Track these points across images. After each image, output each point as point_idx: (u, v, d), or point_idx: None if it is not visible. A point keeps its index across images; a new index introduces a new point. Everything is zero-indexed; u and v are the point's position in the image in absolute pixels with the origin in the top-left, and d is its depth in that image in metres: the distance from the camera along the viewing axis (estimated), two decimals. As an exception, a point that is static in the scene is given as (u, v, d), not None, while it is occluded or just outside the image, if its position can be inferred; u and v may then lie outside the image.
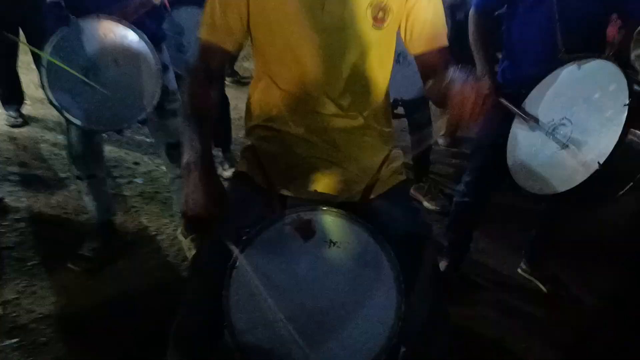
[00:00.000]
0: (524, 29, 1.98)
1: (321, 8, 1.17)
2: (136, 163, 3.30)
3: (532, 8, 1.93)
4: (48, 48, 1.78)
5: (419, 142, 2.95)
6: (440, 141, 3.88)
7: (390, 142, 1.37)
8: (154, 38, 1.95)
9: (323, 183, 1.26)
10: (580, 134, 1.60)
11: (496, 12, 2.14)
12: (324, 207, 1.14)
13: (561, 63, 1.77)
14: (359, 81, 1.25)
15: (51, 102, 1.83)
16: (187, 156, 1.07)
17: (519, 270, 2.48)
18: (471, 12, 2.09)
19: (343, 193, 1.27)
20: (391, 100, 1.54)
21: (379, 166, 1.33)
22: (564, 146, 1.63)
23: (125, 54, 1.81)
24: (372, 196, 1.29)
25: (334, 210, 1.14)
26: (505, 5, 2.05)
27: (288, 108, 1.26)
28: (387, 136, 1.36)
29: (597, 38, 1.89)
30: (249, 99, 1.36)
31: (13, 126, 3.58)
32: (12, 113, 3.62)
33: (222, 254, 1.08)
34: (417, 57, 1.30)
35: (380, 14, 1.20)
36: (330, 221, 1.13)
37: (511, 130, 1.86)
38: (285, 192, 1.28)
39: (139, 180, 3.11)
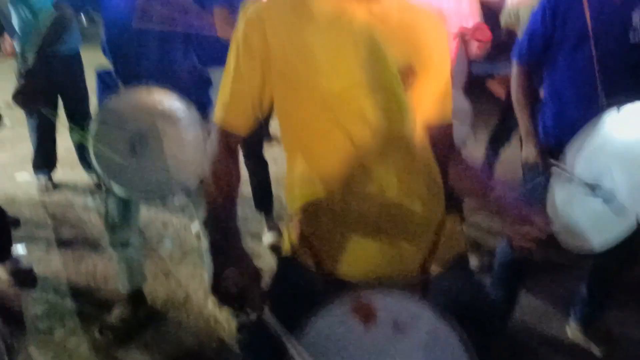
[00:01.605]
0: (564, 76, 1.93)
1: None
2: (165, 224, 3.28)
3: (571, 54, 1.89)
4: (97, 117, 1.80)
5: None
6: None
7: (441, 205, 1.28)
8: (201, 106, 1.94)
9: (379, 260, 1.17)
10: (623, 189, 1.51)
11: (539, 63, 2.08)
12: (384, 287, 1.05)
13: (602, 109, 1.71)
14: (403, 145, 1.19)
15: (96, 171, 1.84)
16: (213, 236, 1.04)
17: (568, 330, 2.32)
18: (514, 67, 2.04)
19: (401, 270, 1.17)
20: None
21: (436, 234, 1.24)
22: (607, 200, 1.53)
23: (173, 124, 1.81)
24: (431, 271, 1.20)
25: (396, 290, 1.04)
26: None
27: (332, 186, 1.19)
28: (438, 198, 1.28)
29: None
30: (286, 177, 1.29)
31: (43, 191, 3.62)
32: (43, 178, 3.67)
33: (272, 344, 0.99)
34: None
35: (410, 78, 1.15)
36: (393, 303, 1.03)
37: (550, 184, 1.77)
38: (338, 273, 1.18)
39: (167, 242, 3.08)
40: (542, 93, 2.10)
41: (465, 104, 2.47)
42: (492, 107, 3.44)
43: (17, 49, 3.45)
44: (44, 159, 3.68)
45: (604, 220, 1.54)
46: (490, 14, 3.30)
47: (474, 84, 3.03)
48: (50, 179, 3.70)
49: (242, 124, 1.20)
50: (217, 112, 1.20)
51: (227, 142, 1.20)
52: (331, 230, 1.19)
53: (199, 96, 1.99)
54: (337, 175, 1.17)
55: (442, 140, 1.24)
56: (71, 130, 3.57)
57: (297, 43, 1.12)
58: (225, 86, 1.19)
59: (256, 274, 0.99)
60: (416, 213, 1.19)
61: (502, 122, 3.37)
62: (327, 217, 1.19)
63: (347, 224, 1.18)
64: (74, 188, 3.74)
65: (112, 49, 1.95)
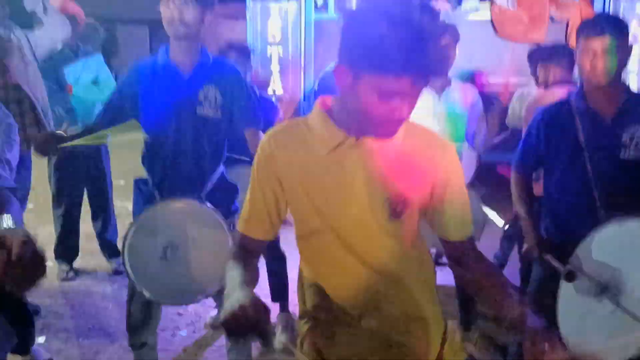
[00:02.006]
0: (561, 187, 2.08)
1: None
2: (179, 314, 3.36)
3: (567, 167, 2.05)
4: (133, 227, 1.95)
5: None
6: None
7: (440, 311, 1.40)
8: (229, 214, 2.10)
9: None
10: (631, 293, 1.61)
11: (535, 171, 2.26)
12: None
13: (601, 221, 1.83)
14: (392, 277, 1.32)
15: (128, 274, 1.96)
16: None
17: None
18: (512, 172, 2.22)
19: None
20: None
21: (440, 346, 1.34)
22: (613, 312, 1.63)
23: (203, 233, 1.95)
24: None
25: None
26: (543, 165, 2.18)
27: (343, 300, 1.32)
28: (437, 309, 1.40)
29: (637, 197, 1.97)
30: (298, 281, 1.44)
31: (64, 280, 3.74)
32: (64, 267, 3.79)
33: None
34: (445, 244, 1.37)
35: (401, 206, 1.27)
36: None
37: (559, 292, 1.86)
38: None
39: (183, 333, 3.14)
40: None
41: (479, 215, 2.60)
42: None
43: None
44: (67, 248, 3.82)
45: (617, 332, 1.60)
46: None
47: (487, 171, 3.19)
48: (71, 268, 3.82)
49: (262, 233, 1.36)
50: (240, 223, 1.38)
51: (250, 247, 1.36)
52: (342, 344, 1.30)
53: (227, 205, 2.16)
54: (347, 293, 1.31)
55: (467, 255, 1.33)
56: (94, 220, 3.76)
57: (303, 178, 1.28)
58: (246, 202, 1.36)
59: (265, 309, 1.10)
60: (421, 322, 1.32)
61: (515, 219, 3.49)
62: (338, 332, 1.32)
63: (358, 339, 1.29)
64: (93, 276, 3.85)
65: (150, 161, 2.16)
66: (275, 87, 5.18)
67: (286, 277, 3.11)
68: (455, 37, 2.62)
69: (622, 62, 1.91)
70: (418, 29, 1.08)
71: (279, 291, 3.13)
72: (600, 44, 1.85)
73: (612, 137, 1.96)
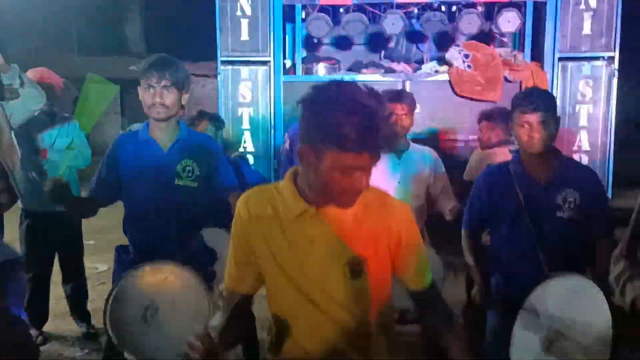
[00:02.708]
0: (507, 244, 2.27)
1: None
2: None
3: (511, 226, 2.24)
4: (114, 292, 1.98)
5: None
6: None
7: None
8: (207, 278, 2.17)
9: None
10: (572, 348, 1.74)
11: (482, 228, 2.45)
12: None
13: (545, 276, 1.99)
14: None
15: (109, 336, 2.00)
16: None
17: None
18: (462, 230, 2.39)
19: None
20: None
21: None
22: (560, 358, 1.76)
23: (183, 295, 2.01)
24: None
25: None
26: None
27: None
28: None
29: (580, 259, 2.17)
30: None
31: (33, 345, 3.68)
32: (33, 331, 3.71)
33: None
34: (410, 294, 1.54)
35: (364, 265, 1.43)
36: None
37: (512, 340, 1.99)
38: None
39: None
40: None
41: (436, 260, 2.77)
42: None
43: (21, 205, 3.71)
44: (36, 312, 3.75)
45: None
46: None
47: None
48: (41, 332, 3.76)
49: (246, 288, 1.50)
50: (226, 279, 1.51)
51: (236, 300, 1.49)
52: None
53: (205, 269, 2.24)
54: (313, 343, 1.45)
55: (430, 302, 1.51)
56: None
57: (271, 240, 1.43)
58: (230, 260, 1.51)
59: (213, 346, 1.24)
60: None
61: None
62: None
63: None
64: (63, 340, 3.80)
65: (132, 228, 2.26)
66: (247, 145, 5.34)
67: (256, 337, 3.17)
68: (412, 106, 2.84)
69: (554, 132, 2.14)
70: (370, 112, 1.26)
71: (250, 351, 3.18)
72: (535, 118, 2.08)
73: (548, 199, 2.17)
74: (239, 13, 5.19)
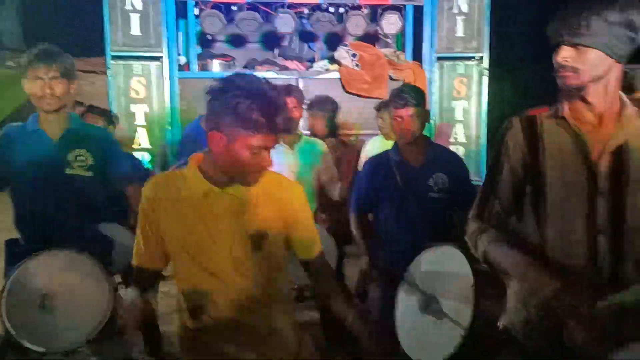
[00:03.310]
0: (389, 223, 2.59)
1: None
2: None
3: (392, 206, 2.57)
4: (8, 284, 1.96)
5: None
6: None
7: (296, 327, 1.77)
8: (105, 264, 2.16)
9: None
10: (447, 307, 2.01)
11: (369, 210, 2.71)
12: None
13: (424, 249, 2.27)
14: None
15: (7, 329, 1.95)
16: None
17: None
18: (350, 213, 2.64)
19: None
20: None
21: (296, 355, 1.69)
22: (439, 318, 2.02)
23: (81, 281, 2.02)
24: None
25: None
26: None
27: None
28: (294, 324, 1.77)
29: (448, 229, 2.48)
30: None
31: None
32: None
33: None
34: (302, 264, 1.76)
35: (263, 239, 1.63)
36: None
37: (396, 306, 2.24)
38: None
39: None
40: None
41: (327, 238, 2.99)
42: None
43: None
44: None
45: (438, 336, 1.98)
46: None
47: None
48: None
49: (154, 264, 1.68)
50: (135, 258, 1.67)
51: (145, 277, 1.65)
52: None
53: (103, 256, 2.26)
54: (218, 311, 1.63)
55: (320, 269, 1.75)
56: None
57: (178, 221, 1.58)
58: (138, 239, 1.65)
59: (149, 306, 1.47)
60: (277, 338, 1.70)
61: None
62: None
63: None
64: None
65: (22, 221, 2.24)
66: (142, 142, 5.26)
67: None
68: (301, 99, 3.09)
69: (424, 123, 2.46)
70: (273, 99, 1.48)
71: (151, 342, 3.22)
72: (405, 112, 2.38)
73: (422, 181, 2.48)
74: (128, 7, 5.09)
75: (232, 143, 1.47)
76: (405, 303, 2.20)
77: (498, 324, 1.85)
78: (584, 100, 1.52)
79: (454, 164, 2.59)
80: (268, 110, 1.45)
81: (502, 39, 7.13)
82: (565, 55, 1.47)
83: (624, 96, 1.56)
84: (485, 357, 2.07)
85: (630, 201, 1.49)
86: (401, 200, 2.49)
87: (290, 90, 3.11)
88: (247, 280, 1.62)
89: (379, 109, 4.01)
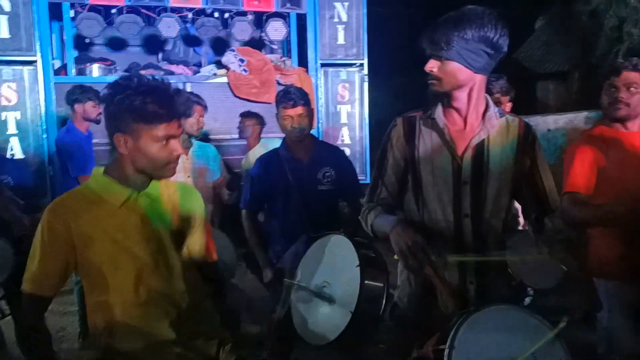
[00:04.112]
0: (281, 217, 2.72)
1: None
2: None
3: (283, 201, 2.70)
4: None
5: None
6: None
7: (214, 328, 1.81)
8: None
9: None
10: (337, 292, 2.16)
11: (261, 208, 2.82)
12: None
13: (313, 240, 2.41)
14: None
15: None
16: None
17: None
18: (242, 211, 2.73)
19: None
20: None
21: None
22: (330, 302, 2.17)
23: None
24: None
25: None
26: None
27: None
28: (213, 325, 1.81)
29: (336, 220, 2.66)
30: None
31: None
32: None
33: None
34: (199, 267, 1.82)
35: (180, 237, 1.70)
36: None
37: (292, 296, 2.36)
38: None
39: None
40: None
41: (226, 242, 3.05)
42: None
43: None
44: None
45: (331, 317, 2.13)
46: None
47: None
48: None
49: (49, 290, 1.57)
50: (27, 285, 1.54)
51: (37, 304, 1.56)
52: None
53: None
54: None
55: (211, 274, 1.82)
56: None
57: (98, 233, 1.54)
58: (33, 266, 1.54)
59: None
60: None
61: None
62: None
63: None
64: None
65: None
66: (14, 152, 4.91)
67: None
68: (205, 107, 3.16)
69: (310, 121, 2.63)
70: (162, 88, 1.54)
71: None
72: (293, 111, 2.53)
73: (311, 175, 2.65)
74: (-5, 8, 4.74)
75: (138, 140, 1.49)
76: (303, 292, 2.32)
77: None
78: (450, 104, 1.76)
79: (339, 159, 2.81)
80: (162, 99, 1.49)
81: (379, 47, 7.59)
82: (430, 66, 1.71)
83: (490, 99, 1.84)
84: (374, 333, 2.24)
85: (490, 189, 1.75)
86: (292, 194, 2.63)
87: (198, 99, 3.15)
88: (172, 281, 1.63)
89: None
